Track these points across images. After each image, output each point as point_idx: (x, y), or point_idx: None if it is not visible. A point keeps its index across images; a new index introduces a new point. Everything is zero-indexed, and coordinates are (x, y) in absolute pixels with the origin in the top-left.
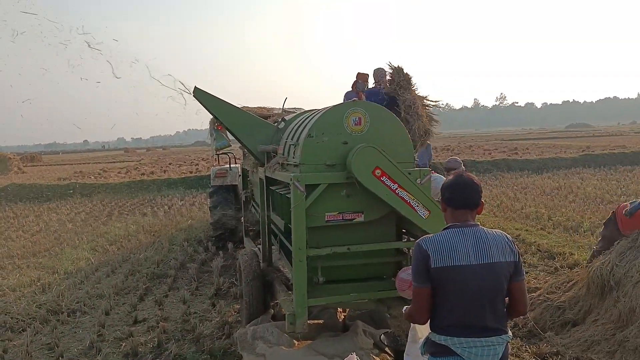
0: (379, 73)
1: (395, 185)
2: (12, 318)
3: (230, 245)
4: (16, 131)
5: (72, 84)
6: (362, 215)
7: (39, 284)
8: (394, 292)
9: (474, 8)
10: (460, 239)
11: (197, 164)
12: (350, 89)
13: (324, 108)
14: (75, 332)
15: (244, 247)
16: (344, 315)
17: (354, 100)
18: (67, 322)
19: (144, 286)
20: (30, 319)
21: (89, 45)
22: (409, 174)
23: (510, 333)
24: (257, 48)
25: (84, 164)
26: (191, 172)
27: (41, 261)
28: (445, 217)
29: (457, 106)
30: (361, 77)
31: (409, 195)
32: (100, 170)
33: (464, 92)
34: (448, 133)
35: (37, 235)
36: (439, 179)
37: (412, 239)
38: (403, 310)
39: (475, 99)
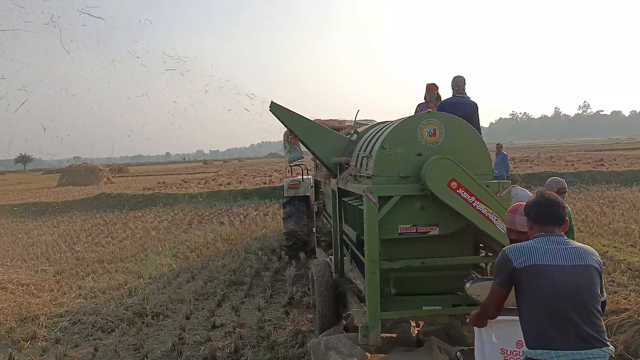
0: (459, 81)
1: (472, 198)
2: (102, 319)
3: (302, 255)
4: (105, 144)
5: (156, 103)
6: (437, 228)
7: (126, 287)
8: (471, 308)
9: (550, 11)
10: (549, 244)
11: (270, 175)
12: (423, 101)
13: (397, 120)
14: (158, 335)
15: (316, 258)
16: (417, 330)
17: (429, 111)
18: (151, 325)
19: (221, 292)
20: (118, 320)
21: (181, 73)
22: (487, 186)
23: (612, 347)
24: (329, 61)
25: (166, 175)
26: (265, 183)
27: (128, 266)
28: (529, 235)
29: (536, 115)
30: (430, 88)
31: (487, 208)
32: (181, 181)
33: (544, 100)
34: (526, 143)
35: (124, 242)
36: (521, 193)
37: (490, 254)
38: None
39: (556, 108)
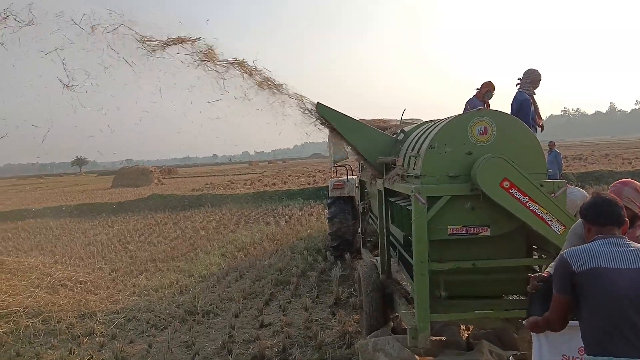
0: (534, 76)
1: (526, 198)
2: (155, 316)
3: (347, 255)
4: (155, 146)
5: (203, 106)
6: (489, 230)
7: (177, 285)
8: (523, 312)
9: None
10: (608, 247)
11: (314, 176)
12: (474, 96)
13: (446, 118)
14: (208, 332)
15: (361, 258)
16: (467, 334)
17: (479, 109)
18: (202, 322)
19: (269, 292)
20: (170, 317)
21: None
22: (541, 185)
23: None
24: (374, 59)
25: (213, 176)
26: (309, 184)
27: (179, 265)
28: (587, 239)
29: (590, 111)
30: (488, 86)
31: (541, 208)
32: (228, 181)
33: (598, 96)
34: (580, 140)
35: (175, 241)
36: (577, 193)
37: (544, 256)
38: (524, 322)
39: (611, 103)
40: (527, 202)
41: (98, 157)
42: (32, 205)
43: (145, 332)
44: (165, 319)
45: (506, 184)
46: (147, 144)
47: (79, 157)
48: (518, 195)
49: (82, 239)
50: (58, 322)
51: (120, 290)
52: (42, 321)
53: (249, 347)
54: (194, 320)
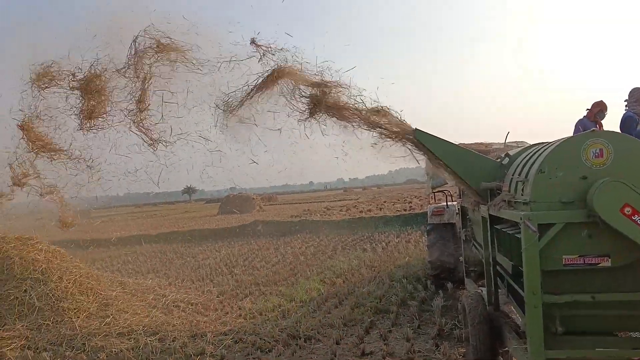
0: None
1: None
2: (260, 339)
3: (449, 284)
4: (255, 175)
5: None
6: (609, 260)
7: (280, 309)
8: None
9: None
10: None
11: (410, 202)
12: (584, 117)
13: (556, 140)
14: (311, 357)
15: (465, 288)
16: None
17: (593, 130)
18: (304, 347)
19: (368, 319)
20: (274, 341)
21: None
22: None
23: None
24: (476, 84)
25: (310, 202)
26: (405, 210)
27: (280, 289)
28: None
29: None
30: (599, 106)
31: None
32: (325, 208)
33: None
34: None
35: (276, 266)
36: None
37: None
38: None
39: None
40: None
41: (206, 186)
42: (148, 231)
43: (251, 354)
44: (270, 342)
45: (628, 210)
46: (249, 172)
47: (189, 186)
48: None
49: (192, 263)
50: (173, 340)
51: (227, 313)
52: (158, 339)
53: None
54: (296, 344)
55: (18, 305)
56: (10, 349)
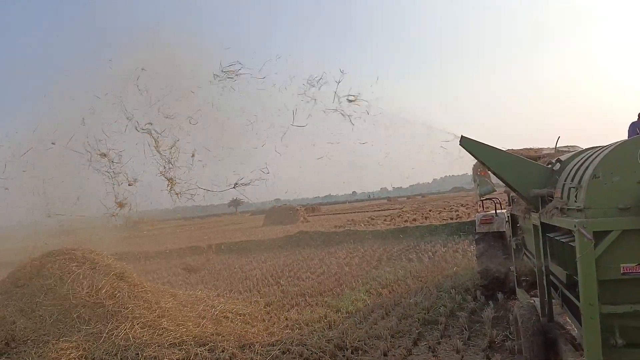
0: None
1: None
2: (307, 350)
3: (499, 295)
4: (300, 185)
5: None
6: None
7: (326, 320)
8: None
9: None
10: None
11: (457, 210)
12: (639, 119)
13: (610, 144)
14: None
15: (516, 299)
16: None
17: None
18: (351, 359)
19: (416, 331)
20: (321, 352)
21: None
22: None
23: None
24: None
25: (354, 212)
26: (452, 219)
27: (326, 300)
28: None
29: None
30: None
31: None
32: (369, 218)
33: None
34: None
35: (321, 277)
36: None
37: None
38: None
39: None
40: None
41: (252, 198)
42: (197, 243)
43: None
44: (317, 353)
45: None
46: (294, 184)
47: (235, 198)
48: None
49: (239, 274)
50: (222, 351)
51: (274, 323)
52: (208, 350)
53: None
54: (343, 355)
55: (75, 317)
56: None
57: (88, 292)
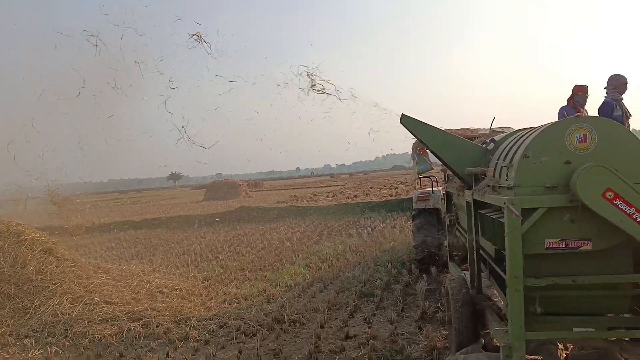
0: (616, 81)
1: (632, 210)
2: (245, 323)
3: (433, 268)
4: (243, 161)
5: (290, 122)
6: (590, 243)
7: (265, 294)
8: (630, 332)
9: None
10: None
11: (397, 188)
12: (566, 104)
13: (541, 126)
14: (295, 341)
15: (448, 272)
16: (566, 354)
17: (577, 115)
18: (289, 331)
19: (353, 303)
20: (259, 325)
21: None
22: None
23: None
24: (462, 68)
25: (297, 189)
26: (391, 196)
27: (266, 274)
28: None
29: None
30: (580, 90)
31: None
32: (311, 194)
33: None
34: None
35: (262, 252)
36: None
37: None
38: None
39: None
40: (633, 213)
41: (191, 172)
42: (132, 217)
43: (236, 338)
44: (254, 327)
45: (609, 194)
46: (236, 158)
47: (174, 172)
48: (623, 206)
49: (177, 249)
50: (156, 326)
51: (212, 298)
52: (142, 325)
53: (335, 358)
54: (281, 328)
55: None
56: None
57: (13, 266)
